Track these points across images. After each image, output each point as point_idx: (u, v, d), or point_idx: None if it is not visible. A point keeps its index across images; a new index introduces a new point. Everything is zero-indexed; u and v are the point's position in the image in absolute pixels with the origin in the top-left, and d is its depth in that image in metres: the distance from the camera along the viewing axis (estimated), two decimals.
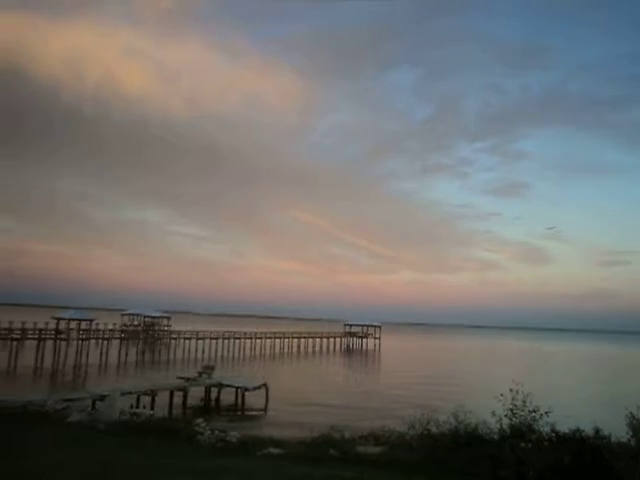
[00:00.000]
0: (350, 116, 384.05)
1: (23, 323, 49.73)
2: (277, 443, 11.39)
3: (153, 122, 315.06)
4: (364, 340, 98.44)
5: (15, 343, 46.35)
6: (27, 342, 48.37)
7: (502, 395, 9.68)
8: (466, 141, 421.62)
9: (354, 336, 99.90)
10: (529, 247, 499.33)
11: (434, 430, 11.05)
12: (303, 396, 35.05)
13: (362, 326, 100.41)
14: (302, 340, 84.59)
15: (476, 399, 26.47)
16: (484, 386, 37.59)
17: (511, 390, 9.53)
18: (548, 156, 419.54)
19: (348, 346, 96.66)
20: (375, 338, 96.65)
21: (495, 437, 9.81)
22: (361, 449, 9.26)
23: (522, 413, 9.39)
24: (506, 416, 9.56)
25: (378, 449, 9.44)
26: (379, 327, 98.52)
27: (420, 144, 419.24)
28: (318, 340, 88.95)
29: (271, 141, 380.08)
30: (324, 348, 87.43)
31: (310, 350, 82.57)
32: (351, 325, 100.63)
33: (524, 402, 9.41)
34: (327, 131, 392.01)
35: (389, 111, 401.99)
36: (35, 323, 50.23)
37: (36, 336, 48.70)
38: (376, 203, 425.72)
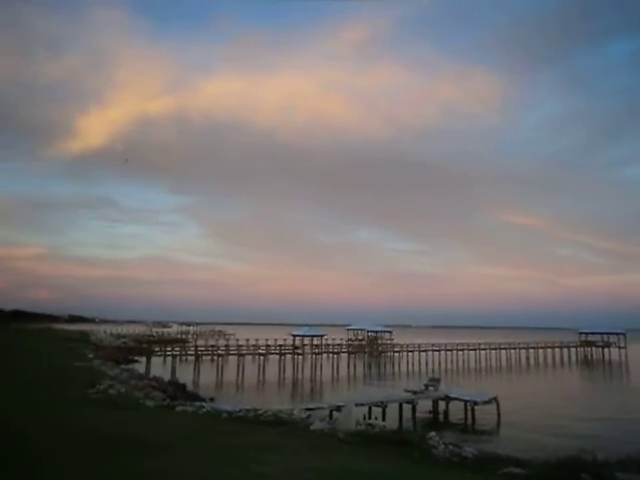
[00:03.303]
0: (560, 104, 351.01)
1: (266, 340, 56.78)
2: (518, 462, 10.74)
3: (358, 147, 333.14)
4: (605, 350, 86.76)
5: (262, 358, 52.87)
6: (270, 357, 54.71)
7: None
8: None
9: (592, 345, 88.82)
10: None
11: None
12: (539, 412, 32.38)
13: (602, 334, 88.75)
14: (531, 351, 78.49)
15: None
16: None
17: None
18: None
19: (586, 357, 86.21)
20: (619, 348, 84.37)
21: None
22: (620, 475, 8.17)
23: None
24: None
25: None
26: (623, 335, 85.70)
27: None
28: (549, 350, 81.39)
29: (474, 147, 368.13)
30: (557, 359, 79.50)
31: (541, 362, 75.97)
32: (587, 333, 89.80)
33: None
34: (534, 125, 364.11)
35: (606, 90, 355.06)
36: (276, 340, 56.81)
37: (277, 351, 54.86)
38: (601, 195, 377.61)
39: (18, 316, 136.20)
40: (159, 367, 46.44)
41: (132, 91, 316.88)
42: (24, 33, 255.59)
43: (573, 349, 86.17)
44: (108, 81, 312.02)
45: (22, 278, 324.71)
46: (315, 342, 58.14)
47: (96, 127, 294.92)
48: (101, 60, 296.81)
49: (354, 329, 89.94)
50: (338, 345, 63.45)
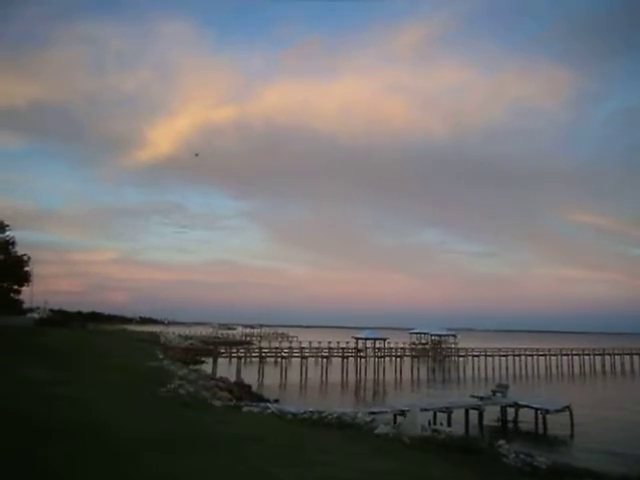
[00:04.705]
0: (632, 96, 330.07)
1: (329, 343, 57.09)
2: (594, 475, 10.23)
3: (420, 147, 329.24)
4: None
5: (325, 360, 53.18)
6: (333, 359, 54.90)
7: None
8: None
9: None
10: None
11: None
12: (615, 423, 30.56)
13: None
14: (606, 357, 74.18)
15: None
16: None
17: None
18: None
19: None
20: None
21: None
22: None
23: None
24: None
25: None
26: None
27: None
28: (627, 357, 76.45)
29: (541, 144, 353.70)
30: (636, 367, 74.45)
31: (617, 369, 71.65)
32: None
33: None
34: (607, 118, 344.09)
35: None
36: (338, 342, 57.01)
37: (340, 354, 55.03)
38: None
39: (94, 317, 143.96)
40: (225, 368, 47.67)
41: (196, 101, 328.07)
42: (97, 49, 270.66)
43: None
44: (174, 92, 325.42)
45: (98, 281, 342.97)
46: (377, 345, 57.82)
47: (164, 137, 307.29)
48: (168, 72, 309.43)
49: (417, 333, 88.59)
50: (401, 349, 62.77)
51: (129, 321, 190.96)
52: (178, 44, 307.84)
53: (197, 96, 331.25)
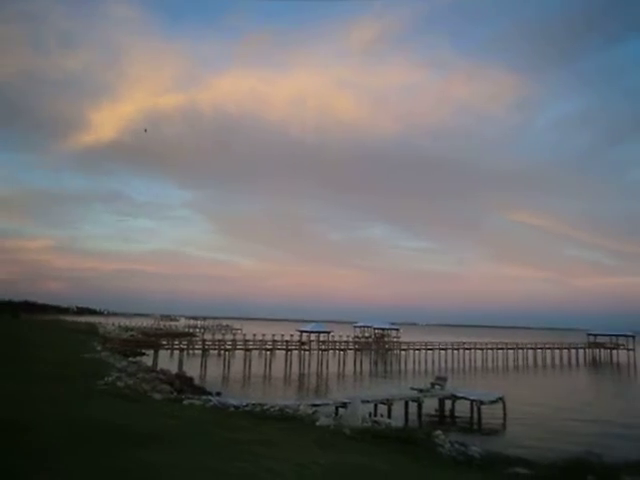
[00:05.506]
0: (575, 103, 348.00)
1: (273, 335, 56.99)
2: (524, 463, 10.74)
3: (369, 144, 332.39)
4: (614, 352, 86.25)
5: (268, 353, 53.07)
6: (277, 352, 54.89)
7: None
8: None
9: (600, 347, 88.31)
10: None
11: None
12: (546, 414, 32.23)
13: (610, 336, 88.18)
14: (538, 351, 78.06)
15: None
16: None
17: None
18: None
19: (594, 359, 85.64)
20: (628, 350, 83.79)
21: None
22: (627, 478, 8.14)
23: None
24: None
25: None
26: (632, 337, 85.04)
27: None
28: (557, 352, 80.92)
29: (486, 146, 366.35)
30: (564, 361, 78.96)
31: (549, 362, 75.55)
32: (596, 335, 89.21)
33: None
34: (548, 125, 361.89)
35: (624, 88, 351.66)
36: (283, 335, 57.00)
37: (284, 347, 55.05)
38: (613, 196, 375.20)
39: (27, 307, 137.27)
40: (166, 360, 46.76)
41: (144, 86, 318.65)
42: (38, 26, 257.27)
43: (581, 350, 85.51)
44: (121, 76, 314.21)
45: (32, 270, 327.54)
46: (322, 338, 58.25)
47: (108, 121, 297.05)
48: (114, 55, 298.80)
49: (361, 326, 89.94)
50: (345, 342, 63.52)
51: (66, 311, 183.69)
52: (126, 27, 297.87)
53: (145, 81, 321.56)
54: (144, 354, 49.68)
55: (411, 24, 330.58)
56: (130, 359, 39.67)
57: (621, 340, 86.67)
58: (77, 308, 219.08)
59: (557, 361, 77.53)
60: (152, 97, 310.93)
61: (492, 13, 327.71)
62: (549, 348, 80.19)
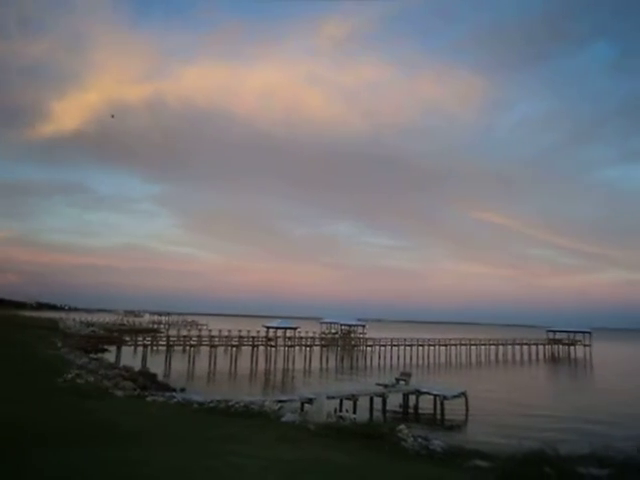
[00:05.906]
0: (540, 105, 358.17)
1: (239, 331, 56.62)
2: (484, 456, 10.98)
3: (337, 140, 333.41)
4: (571, 348, 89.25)
5: (234, 349, 52.68)
6: (243, 348, 54.54)
7: None
8: None
9: (559, 343, 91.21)
10: None
11: None
12: (506, 408, 33.12)
13: (568, 332, 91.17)
14: (500, 347, 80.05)
15: None
16: None
17: None
18: None
19: (553, 355, 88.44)
20: (585, 345, 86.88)
21: None
22: (582, 470, 8.42)
23: None
24: None
25: (604, 472, 8.47)
26: (589, 333, 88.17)
27: (623, 127, 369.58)
28: (518, 347, 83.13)
29: (453, 145, 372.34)
30: (525, 356, 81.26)
31: (510, 358, 77.62)
32: (555, 331, 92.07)
33: None
34: (513, 125, 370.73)
35: (586, 93, 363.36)
36: (249, 331, 56.68)
37: (250, 343, 54.74)
38: (574, 196, 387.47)
39: None
40: (130, 357, 45.86)
41: (110, 76, 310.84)
42: None
43: (541, 346, 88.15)
44: (85, 64, 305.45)
45: None
46: (288, 334, 58.19)
47: (71, 110, 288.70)
48: (79, 43, 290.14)
49: (327, 322, 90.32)
50: (311, 338, 63.65)
51: (23, 306, 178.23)
52: (92, 15, 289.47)
53: (110, 71, 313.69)
54: (106, 350, 48.65)
55: (381, 23, 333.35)
56: (92, 356, 38.80)
57: (578, 336, 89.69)
58: (37, 303, 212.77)
59: (518, 357, 79.67)
60: (117, 87, 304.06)
61: (461, 14, 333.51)
62: (510, 344, 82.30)
